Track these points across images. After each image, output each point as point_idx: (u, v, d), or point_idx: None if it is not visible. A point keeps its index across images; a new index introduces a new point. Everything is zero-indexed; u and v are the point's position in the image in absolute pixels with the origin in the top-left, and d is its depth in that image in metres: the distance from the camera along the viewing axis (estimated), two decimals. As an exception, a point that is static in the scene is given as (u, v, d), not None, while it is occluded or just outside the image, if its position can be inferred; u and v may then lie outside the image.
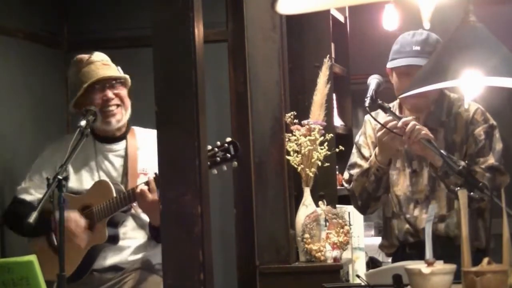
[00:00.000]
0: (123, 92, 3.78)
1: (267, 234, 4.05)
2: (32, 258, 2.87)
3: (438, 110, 3.58)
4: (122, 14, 4.77)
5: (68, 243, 3.18)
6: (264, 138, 4.09)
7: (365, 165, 3.56)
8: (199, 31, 2.56)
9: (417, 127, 3.38)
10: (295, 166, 4.10)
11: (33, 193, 3.78)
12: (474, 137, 3.50)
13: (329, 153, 4.11)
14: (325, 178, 4.29)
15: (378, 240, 3.86)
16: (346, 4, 4.55)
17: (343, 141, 4.36)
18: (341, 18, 4.94)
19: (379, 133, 3.45)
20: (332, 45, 4.59)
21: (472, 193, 3.14)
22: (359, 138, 3.70)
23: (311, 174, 4.09)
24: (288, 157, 4.09)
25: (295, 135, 4.10)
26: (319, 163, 4.11)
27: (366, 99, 3.46)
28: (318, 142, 4.09)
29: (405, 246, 3.60)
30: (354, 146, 3.71)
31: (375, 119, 3.52)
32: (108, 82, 3.74)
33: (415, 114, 3.54)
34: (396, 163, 3.58)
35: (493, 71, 2.40)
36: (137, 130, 3.87)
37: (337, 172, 4.50)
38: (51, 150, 3.85)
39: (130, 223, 3.74)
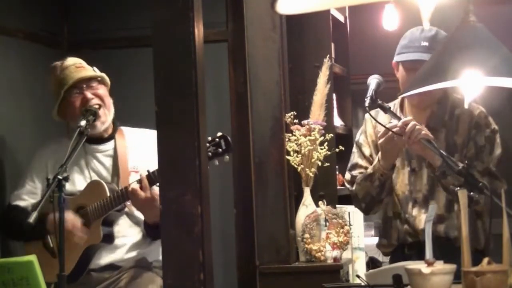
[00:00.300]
0: (102, 91, 3.79)
1: (267, 234, 4.05)
2: (32, 258, 2.87)
3: (441, 111, 3.57)
4: (122, 14, 4.77)
5: (65, 244, 3.18)
6: (264, 138, 4.09)
7: (369, 169, 3.56)
8: (199, 31, 2.56)
9: (417, 127, 3.38)
10: (295, 166, 4.10)
11: (26, 199, 3.79)
12: (474, 141, 3.50)
13: (329, 153, 4.11)
14: (325, 178, 4.29)
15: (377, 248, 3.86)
16: (346, 4, 4.55)
17: (343, 141, 4.36)
18: (341, 18, 4.94)
19: (381, 140, 3.45)
20: (332, 45, 4.58)
21: (471, 193, 3.14)
22: (359, 137, 3.70)
23: (311, 174, 4.09)
24: (288, 157, 4.09)
25: (295, 135, 4.10)
26: (319, 163, 4.11)
27: (366, 99, 3.46)
28: (318, 142, 4.09)
29: (404, 247, 3.60)
30: (355, 145, 3.71)
31: (374, 119, 3.52)
32: (85, 83, 3.76)
33: (420, 111, 3.54)
34: (396, 162, 3.58)
35: (493, 71, 2.40)
36: (125, 130, 3.89)
37: (337, 172, 4.50)
38: (41, 154, 3.87)
39: (124, 221, 3.75)
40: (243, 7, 4.09)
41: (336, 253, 3.96)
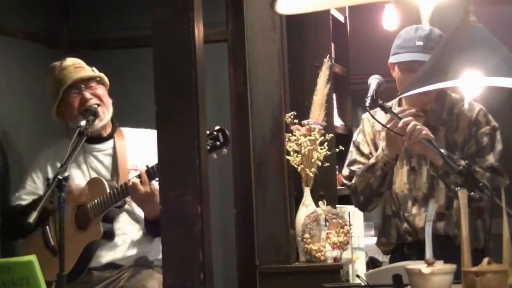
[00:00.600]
0: (101, 91, 3.80)
1: (267, 234, 4.05)
2: (32, 258, 2.87)
3: (439, 108, 3.58)
4: (122, 14, 4.77)
5: (65, 242, 3.19)
6: (264, 138, 4.09)
7: (371, 160, 3.56)
8: (199, 31, 2.56)
9: (417, 127, 3.38)
10: (295, 166, 4.10)
11: (27, 199, 3.80)
12: (476, 138, 3.51)
13: (329, 153, 4.11)
14: (325, 178, 4.29)
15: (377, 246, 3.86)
16: (346, 4, 4.55)
17: (343, 141, 4.36)
18: (341, 18, 4.94)
19: (389, 125, 3.44)
20: (332, 45, 4.58)
21: (472, 193, 3.14)
22: (357, 136, 3.70)
23: (311, 174, 4.09)
24: (288, 157, 4.09)
25: (295, 135, 4.10)
26: (319, 163, 4.11)
27: (366, 99, 3.46)
28: (318, 142, 4.09)
29: (403, 246, 3.60)
30: (352, 144, 3.71)
31: (373, 118, 3.53)
32: (83, 83, 3.77)
33: (417, 109, 3.55)
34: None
35: (493, 71, 2.40)
36: (125, 130, 3.90)
37: (337, 172, 4.50)
38: (42, 155, 3.88)
39: (125, 218, 3.76)
40: (243, 7, 4.09)
41: (336, 253, 3.96)
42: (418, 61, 3.44)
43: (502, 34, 2.64)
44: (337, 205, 4.24)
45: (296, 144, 4.09)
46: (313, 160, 4.08)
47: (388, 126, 3.43)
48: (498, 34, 2.50)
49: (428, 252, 2.53)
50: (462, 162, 3.32)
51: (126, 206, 3.75)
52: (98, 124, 3.76)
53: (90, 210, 3.67)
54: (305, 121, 4.14)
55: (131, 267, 3.73)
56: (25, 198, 3.81)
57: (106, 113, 3.79)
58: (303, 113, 4.21)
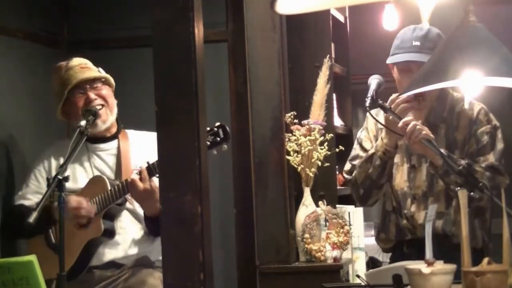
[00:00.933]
0: (106, 92, 3.81)
1: (267, 234, 4.05)
2: (32, 258, 2.87)
3: (440, 106, 3.59)
4: (122, 14, 4.77)
5: (66, 239, 3.19)
6: (264, 138, 4.09)
7: (371, 150, 3.58)
8: (199, 31, 2.56)
9: (417, 127, 3.39)
10: (295, 166, 4.10)
11: (31, 198, 3.81)
12: (476, 137, 3.51)
13: (329, 153, 4.11)
14: (325, 178, 4.29)
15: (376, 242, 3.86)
16: (346, 4, 4.55)
17: (343, 141, 4.36)
18: (341, 18, 4.94)
19: (392, 106, 3.47)
20: (332, 45, 4.58)
21: (472, 193, 3.15)
22: (360, 133, 3.73)
23: (311, 174, 4.09)
24: (288, 157, 4.09)
25: (295, 135, 4.10)
26: (319, 163, 4.11)
27: (366, 99, 3.47)
28: (318, 142, 4.09)
29: (403, 244, 3.61)
30: (356, 141, 3.74)
31: (374, 118, 3.54)
32: (88, 84, 3.78)
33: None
34: (395, 158, 3.60)
35: (493, 71, 2.40)
36: (130, 132, 3.92)
37: (337, 172, 4.50)
38: (45, 155, 3.89)
39: (126, 217, 3.77)
40: (243, 7, 4.09)
41: (336, 253, 3.96)
42: (415, 61, 3.45)
43: (502, 34, 2.65)
44: (337, 205, 4.24)
45: (296, 144, 4.09)
46: (313, 160, 4.08)
47: (389, 119, 3.44)
48: (498, 34, 2.51)
49: (428, 252, 2.53)
50: (462, 162, 3.33)
51: (128, 206, 3.76)
52: (101, 125, 3.77)
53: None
54: (305, 121, 4.14)
55: (132, 267, 3.73)
56: (28, 197, 3.82)
57: (109, 114, 3.80)
58: (303, 113, 4.20)
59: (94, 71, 3.83)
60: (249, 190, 4.07)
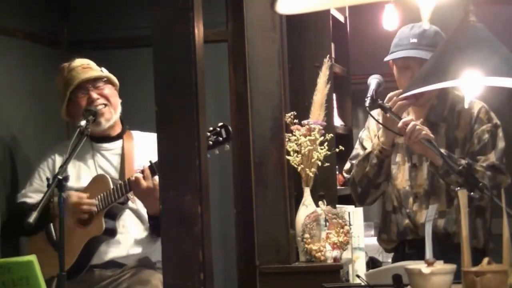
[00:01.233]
0: (109, 91, 3.82)
1: (267, 234, 4.05)
2: (32, 258, 2.87)
3: (441, 105, 3.59)
4: (122, 14, 4.77)
5: (68, 236, 3.20)
6: (264, 138, 4.09)
7: (367, 149, 3.59)
8: (199, 31, 2.56)
9: (417, 127, 3.39)
10: (295, 166, 4.10)
11: (33, 196, 3.81)
12: (477, 136, 3.51)
13: (329, 153, 4.11)
14: (325, 178, 4.29)
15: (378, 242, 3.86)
16: (346, 4, 4.55)
17: (343, 141, 4.36)
18: (341, 18, 4.94)
19: (390, 103, 3.48)
20: (332, 45, 4.58)
21: (472, 193, 3.15)
22: (362, 133, 3.75)
23: (311, 174, 4.09)
24: (288, 157, 4.09)
25: (295, 135, 4.10)
26: (319, 163, 4.11)
27: (366, 99, 3.48)
28: (318, 142, 4.09)
29: (405, 245, 3.61)
30: (358, 140, 3.75)
31: (374, 118, 3.54)
32: (90, 84, 3.79)
33: (419, 106, 3.56)
34: (396, 157, 3.61)
35: (493, 71, 2.40)
36: (135, 133, 3.93)
37: (337, 172, 4.50)
38: (52, 155, 3.89)
39: (128, 217, 3.77)
40: (243, 7, 4.09)
41: (336, 253, 3.96)
42: (412, 58, 3.47)
43: (502, 34, 2.65)
44: (337, 205, 4.24)
45: (296, 144, 4.09)
46: (313, 160, 4.08)
47: (387, 117, 3.44)
48: (498, 34, 2.51)
49: (428, 252, 2.53)
50: (462, 162, 3.33)
51: (132, 205, 3.77)
52: (105, 124, 3.79)
53: None
54: (305, 121, 4.14)
55: (133, 267, 3.73)
56: (30, 196, 3.82)
57: (113, 113, 3.82)
58: (303, 113, 4.20)
59: (96, 71, 3.84)
60: (249, 190, 4.07)
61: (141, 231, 3.78)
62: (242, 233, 4.11)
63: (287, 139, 4.10)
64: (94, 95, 3.78)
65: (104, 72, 3.86)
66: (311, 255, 4.01)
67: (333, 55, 4.61)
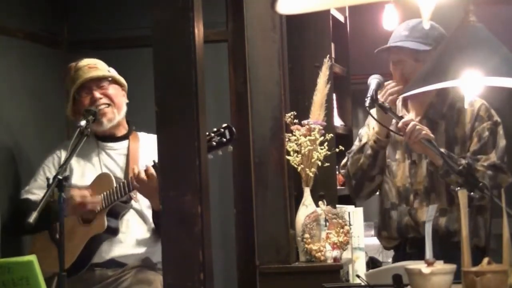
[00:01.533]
0: (113, 91, 3.83)
1: (267, 234, 4.05)
2: (32, 258, 2.87)
3: (440, 103, 3.59)
4: (122, 14, 4.77)
5: (69, 234, 3.20)
6: (264, 138, 4.09)
7: (363, 141, 3.61)
8: (199, 31, 2.56)
9: (417, 127, 3.39)
10: (295, 166, 4.10)
11: (37, 193, 3.81)
12: (478, 134, 3.51)
13: (329, 153, 4.11)
14: (325, 178, 4.29)
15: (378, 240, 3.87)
16: (346, 4, 4.55)
17: (343, 141, 4.36)
18: (341, 18, 4.94)
19: (384, 97, 3.50)
20: (332, 45, 4.58)
21: (472, 193, 3.15)
22: (362, 129, 3.75)
23: (311, 174, 4.09)
24: (288, 157, 4.09)
25: (295, 135, 4.10)
26: (319, 163, 4.11)
27: (366, 99, 3.48)
28: (318, 142, 4.09)
29: (405, 244, 3.60)
30: (357, 137, 3.76)
31: (374, 118, 3.54)
32: (94, 83, 3.80)
33: (420, 103, 3.57)
34: (396, 154, 3.61)
35: (493, 71, 2.40)
36: (140, 135, 3.95)
37: (337, 172, 4.50)
38: (56, 153, 3.90)
39: (131, 217, 3.78)
40: (243, 7, 4.09)
41: (336, 253, 3.96)
42: (403, 49, 3.48)
43: (502, 34, 2.65)
44: (337, 205, 4.24)
45: (296, 144, 4.09)
46: (313, 160, 4.08)
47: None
48: (498, 34, 2.51)
49: (428, 252, 2.53)
50: (463, 162, 3.33)
51: (135, 205, 3.77)
52: (107, 124, 3.79)
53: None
54: (305, 121, 4.14)
55: (134, 267, 3.73)
56: (34, 192, 3.83)
57: (116, 113, 3.83)
58: (303, 113, 4.21)
59: (102, 71, 3.85)
60: (249, 190, 4.07)
61: (143, 232, 3.78)
62: (242, 233, 4.11)
63: (287, 139, 4.10)
64: (97, 94, 3.79)
65: (111, 72, 3.87)
66: (311, 255, 4.01)
67: (333, 55, 4.61)
